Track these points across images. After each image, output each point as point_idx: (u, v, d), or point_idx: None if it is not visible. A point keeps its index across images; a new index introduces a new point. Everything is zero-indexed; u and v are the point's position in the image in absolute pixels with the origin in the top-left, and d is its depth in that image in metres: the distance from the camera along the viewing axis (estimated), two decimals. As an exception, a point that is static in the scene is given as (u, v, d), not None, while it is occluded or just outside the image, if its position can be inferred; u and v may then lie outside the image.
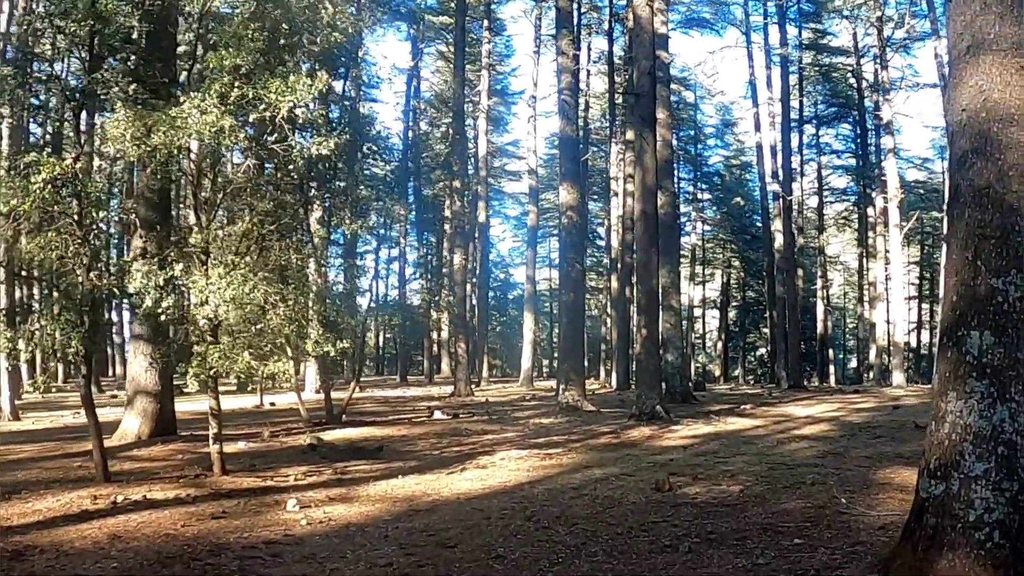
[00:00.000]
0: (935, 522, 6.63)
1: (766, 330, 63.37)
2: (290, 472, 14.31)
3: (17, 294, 25.73)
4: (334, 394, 24.61)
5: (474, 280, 55.38)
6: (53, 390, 39.37)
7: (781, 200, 42.57)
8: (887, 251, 48.50)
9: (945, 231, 31.12)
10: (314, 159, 12.93)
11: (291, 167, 13.22)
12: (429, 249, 67.59)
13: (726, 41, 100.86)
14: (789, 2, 46.60)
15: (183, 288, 12.33)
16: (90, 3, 12.56)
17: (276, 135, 12.53)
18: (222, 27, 13.64)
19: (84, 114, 23.49)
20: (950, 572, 6.39)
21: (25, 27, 20.82)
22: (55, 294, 12.90)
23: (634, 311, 29.56)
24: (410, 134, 53.64)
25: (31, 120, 40.10)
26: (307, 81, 11.89)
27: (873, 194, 52.43)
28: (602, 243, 62.78)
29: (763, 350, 69.29)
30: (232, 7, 14.81)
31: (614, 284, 43.86)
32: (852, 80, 55.62)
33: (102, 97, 14.63)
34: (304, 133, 12.78)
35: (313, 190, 14.75)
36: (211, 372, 12.40)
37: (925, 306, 67.96)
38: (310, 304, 13.42)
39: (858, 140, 57.92)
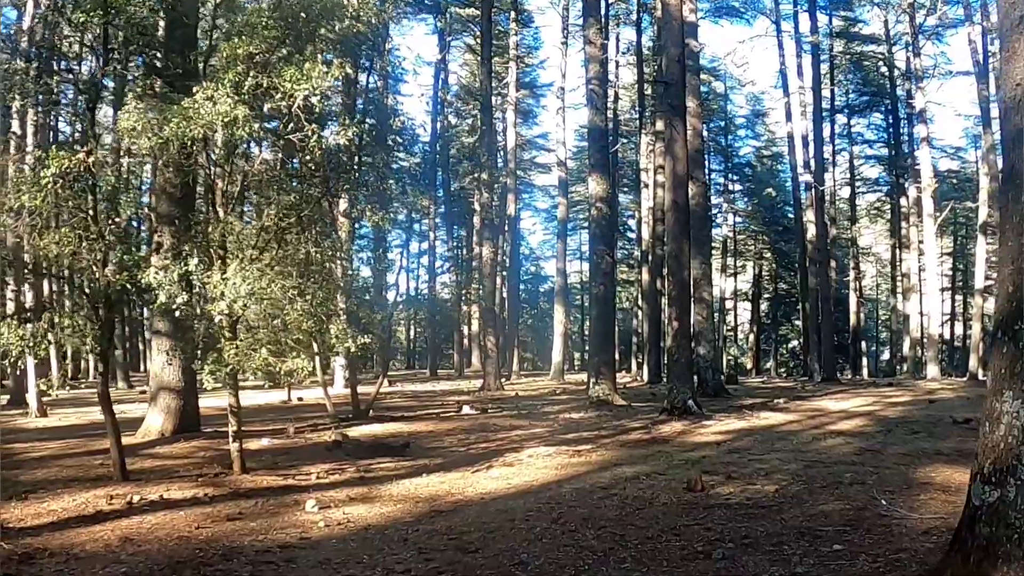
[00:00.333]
0: (989, 532, 6.14)
1: (798, 322, 62.92)
2: (312, 470, 13.98)
3: (34, 292, 25.46)
4: (363, 389, 24.35)
5: (504, 273, 55.10)
6: (82, 386, 39.50)
7: (813, 190, 42.05)
8: (920, 242, 47.86)
9: (981, 220, 30.81)
10: (333, 149, 12.54)
11: (308, 158, 12.81)
12: (459, 243, 67.27)
13: (756, 30, 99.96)
14: (820, -11, 46.01)
15: (200, 283, 11.96)
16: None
17: (292, 125, 12.13)
18: (237, 16, 13.27)
19: (102, 108, 23.27)
20: (1006, 586, 5.93)
21: (39, 21, 20.59)
22: (69, 290, 12.57)
23: (665, 303, 29.11)
24: (438, 127, 53.39)
25: (57, 117, 40.19)
26: (323, 69, 11.51)
27: (906, 184, 51.80)
28: (633, 235, 62.30)
29: (795, 342, 68.83)
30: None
31: (645, 276, 43.47)
32: (884, 69, 55.01)
33: (115, 90, 14.31)
34: (327, 124, 12.31)
35: (334, 182, 14.23)
36: (227, 369, 12.07)
37: (959, 298, 67.30)
38: (330, 298, 12.99)
39: (890, 129, 57.32)
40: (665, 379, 28.10)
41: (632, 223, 62.86)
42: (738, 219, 71.01)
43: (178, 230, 14.26)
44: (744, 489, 11.17)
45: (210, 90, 11.46)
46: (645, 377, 41.01)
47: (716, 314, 49.28)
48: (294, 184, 14.23)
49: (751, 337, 70.89)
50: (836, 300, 51.72)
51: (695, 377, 24.90)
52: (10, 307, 23.33)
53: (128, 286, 11.83)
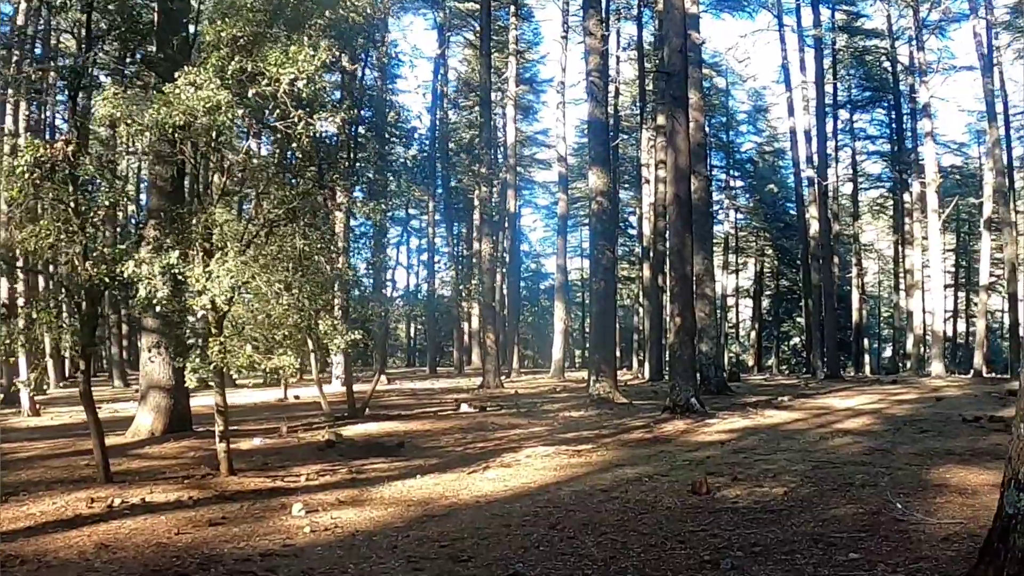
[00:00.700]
0: (1025, 542, 5.64)
1: (800, 319, 62.59)
2: (303, 471, 13.55)
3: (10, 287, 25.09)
4: (361, 387, 23.97)
5: (504, 270, 54.67)
6: (80, 384, 39.02)
7: (816, 185, 41.71)
8: (924, 237, 47.47)
9: (985, 216, 30.38)
10: (323, 138, 12.03)
11: (295, 146, 12.31)
12: (459, 239, 66.87)
13: (757, 24, 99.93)
14: (823, -17, 45.58)
15: (181, 277, 11.45)
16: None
17: (279, 112, 11.63)
18: (222, -1, 12.75)
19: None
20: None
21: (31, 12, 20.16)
22: (47, 285, 12.10)
23: (667, 300, 28.65)
24: (437, 122, 52.98)
25: (53, 114, 39.70)
26: (309, 52, 10.99)
27: (909, 179, 51.40)
28: (634, 232, 61.95)
29: (797, 339, 68.38)
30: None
31: (646, 273, 43.09)
32: (886, 64, 54.54)
33: (96, 77, 13.83)
34: (315, 111, 11.76)
35: (326, 173, 13.72)
36: (211, 367, 11.59)
37: (961, 295, 66.91)
38: (319, 293, 12.47)
39: (893, 125, 56.83)
40: (667, 376, 27.65)
41: (633, 220, 62.54)
42: (739, 215, 70.63)
43: (162, 223, 13.77)
44: (751, 492, 10.69)
45: (193, 75, 10.97)
46: (646, 374, 40.62)
47: (718, 311, 48.81)
48: (286, 176, 13.72)
49: (753, 334, 70.46)
50: (838, 297, 51.33)
51: (697, 375, 24.43)
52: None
53: (107, 280, 11.32)
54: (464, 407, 23.98)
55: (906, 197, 54.13)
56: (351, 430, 19.17)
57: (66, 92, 24.13)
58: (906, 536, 8.20)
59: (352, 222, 28.84)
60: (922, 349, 49.14)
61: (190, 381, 11.88)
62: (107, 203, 11.16)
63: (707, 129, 42.61)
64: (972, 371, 41.81)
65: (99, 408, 24.63)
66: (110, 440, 17.23)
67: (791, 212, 61.28)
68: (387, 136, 20.57)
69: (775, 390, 29.17)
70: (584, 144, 52.57)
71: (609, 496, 10.84)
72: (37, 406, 25.40)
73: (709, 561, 7.74)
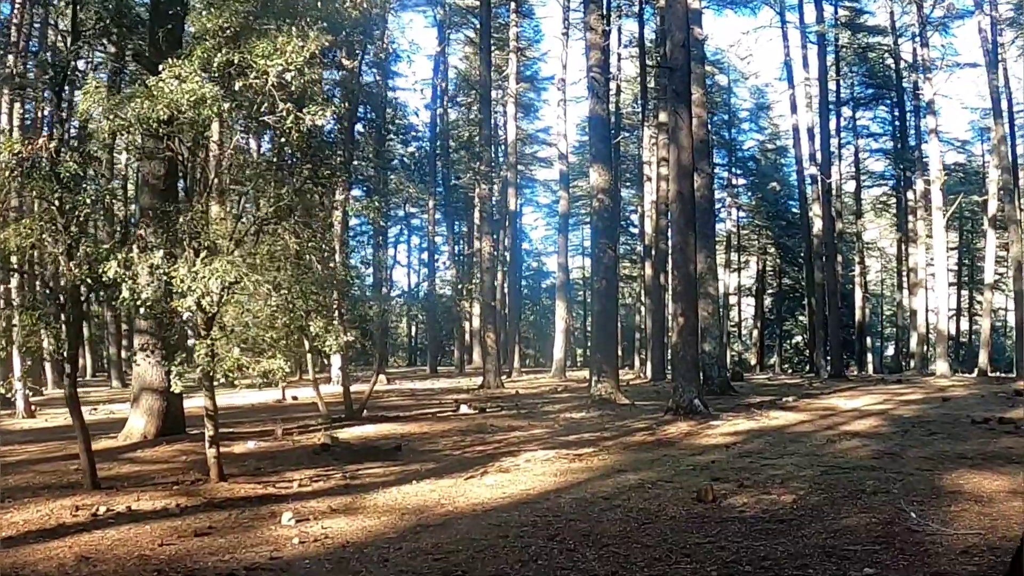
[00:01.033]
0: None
1: (803, 318, 62.37)
2: (296, 477, 13.22)
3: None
4: (361, 387, 23.65)
5: (504, 268, 54.34)
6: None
7: (820, 183, 41.39)
8: (928, 236, 47.14)
9: (991, 214, 30.04)
10: (314, 133, 11.60)
11: (284, 141, 11.92)
12: (460, 238, 66.60)
13: (760, 21, 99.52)
14: (825, -21, 45.25)
15: (167, 277, 11.04)
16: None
17: (266, 105, 11.22)
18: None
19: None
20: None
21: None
22: (30, 286, 11.70)
23: (669, 299, 28.33)
24: (437, 120, 52.68)
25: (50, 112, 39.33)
26: (298, 43, 10.58)
27: (913, 177, 51.10)
28: (635, 230, 61.68)
29: (799, 338, 68.03)
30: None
31: (648, 271, 42.71)
32: (889, 61, 54.23)
33: (85, 73, 13.45)
34: (303, 104, 11.34)
35: (318, 168, 13.28)
36: (197, 370, 11.20)
37: (964, 293, 66.62)
38: (309, 293, 12.04)
39: (896, 122, 56.53)
40: (669, 376, 27.32)
41: (635, 218, 62.24)
42: (742, 214, 70.28)
43: (149, 222, 13.39)
44: (759, 499, 10.29)
45: (177, 67, 10.58)
46: (649, 374, 40.26)
47: (720, 310, 48.48)
48: (278, 174, 13.32)
49: (755, 333, 70.09)
50: (841, 295, 50.99)
51: (700, 375, 24.06)
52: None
53: (90, 281, 10.94)
54: (463, 408, 23.63)
55: (909, 195, 53.91)
56: (347, 432, 18.85)
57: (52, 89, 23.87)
58: (922, 548, 7.82)
59: (353, 221, 28.56)
60: (925, 348, 48.73)
61: (175, 385, 11.51)
62: (89, 201, 10.69)
63: (709, 127, 42.35)
64: (977, 370, 41.52)
65: (95, 410, 24.87)
66: (102, 443, 17.06)
67: (793, 210, 61.13)
68: (384, 133, 20.18)
69: (779, 390, 28.79)
70: (585, 142, 52.32)
71: (611, 504, 10.44)
72: (32, 407, 25.19)
73: (716, 576, 7.36)
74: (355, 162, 20.81)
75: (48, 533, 9.70)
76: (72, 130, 25.09)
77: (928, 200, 45.23)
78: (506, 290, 54.89)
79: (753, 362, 66.18)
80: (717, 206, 58.30)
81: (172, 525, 9.98)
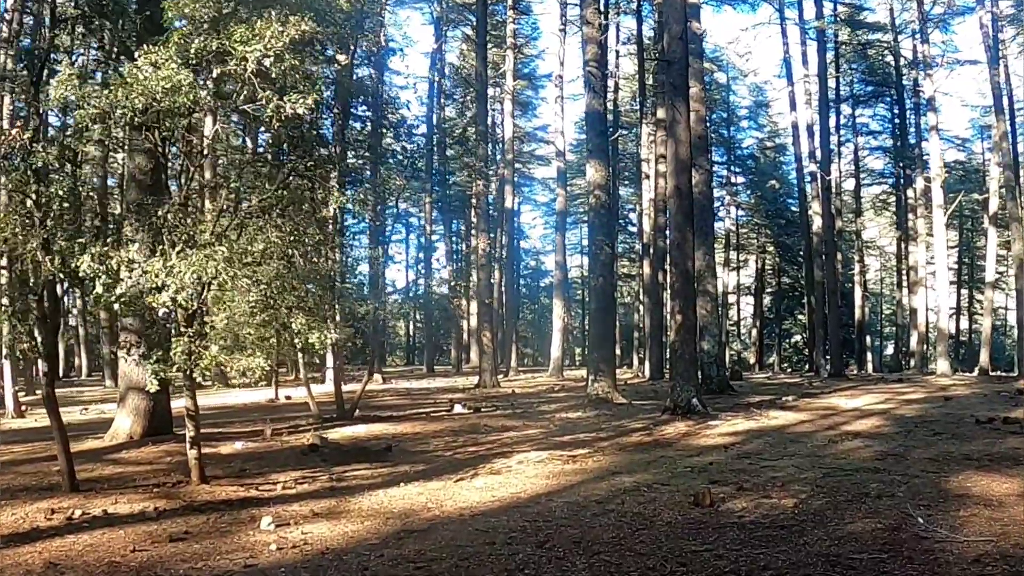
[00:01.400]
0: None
1: (802, 316, 62.29)
2: (281, 479, 12.86)
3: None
4: (356, 387, 23.33)
5: (502, 267, 54.06)
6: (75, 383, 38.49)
7: (819, 180, 41.11)
8: (929, 234, 46.85)
9: (992, 211, 29.74)
10: (293, 121, 11.15)
11: (263, 129, 11.54)
12: (458, 237, 66.40)
13: (759, 18, 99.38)
14: (825, -26, 44.97)
15: (141, 272, 10.62)
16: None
17: (246, 93, 10.80)
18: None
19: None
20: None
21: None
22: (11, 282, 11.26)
23: (667, 297, 27.94)
24: (434, 118, 52.39)
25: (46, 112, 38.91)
26: (277, 28, 10.17)
27: (913, 175, 50.84)
28: (634, 229, 61.43)
29: (799, 337, 67.90)
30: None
31: (646, 270, 42.41)
32: (889, 58, 54.01)
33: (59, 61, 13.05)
34: (284, 91, 10.90)
35: (301, 161, 12.83)
36: (174, 369, 10.80)
37: (964, 292, 66.44)
38: (290, 289, 11.59)
39: (896, 120, 56.35)
40: (667, 375, 26.91)
41: (633, 216, 62.05)
42: (741, 212, 70.17)
43: (133, 216, 12.99)
44: (758, 504, 9.86)
45: (153, 54, 10.17)
46: (647, 373, 39.96)
47: (719, 308, 48.25)
48: (258, 165, 12.92)
49: (754, 332, 69.91)
50: (841, 294, 50.73)
51: (699, 374, 23.69)
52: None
53: (61, 275, 10.54)
54: (458, 408, 23.28)
55: (909, 193, 53.72)
56: (338, 433, 18.47)
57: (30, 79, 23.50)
58: (932, 557, 7.40)
59: (350, 220, 28.19)
60: (925, 347, 48.48)
61: (150, 384, 11.10)
62: (61, 193, 10.27)
63: (708, 124, 42.06)
64: (978, 369, 41.29)
65: (86, 409, 24.61)
66: (88, 444, 16.76)
67: (793, 209, 61.13)
68: (378, 128, 19.82)
69: (779, 389, 28.47)
70: (583, 140, 51.95)
71: (604, 509, 10.02)
72: (22, 407, 24.88)
73: (714, 588, 6.95)
74: (351, 159, 20.36)
75: (20, 537, 9.37)
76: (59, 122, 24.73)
77: (928, 198, 45.00)
78: (503, 289, 54.68)
79: (752, 361, 66.08)
80: (716, 204, 58.23)
81: (147, 530, 9.63)
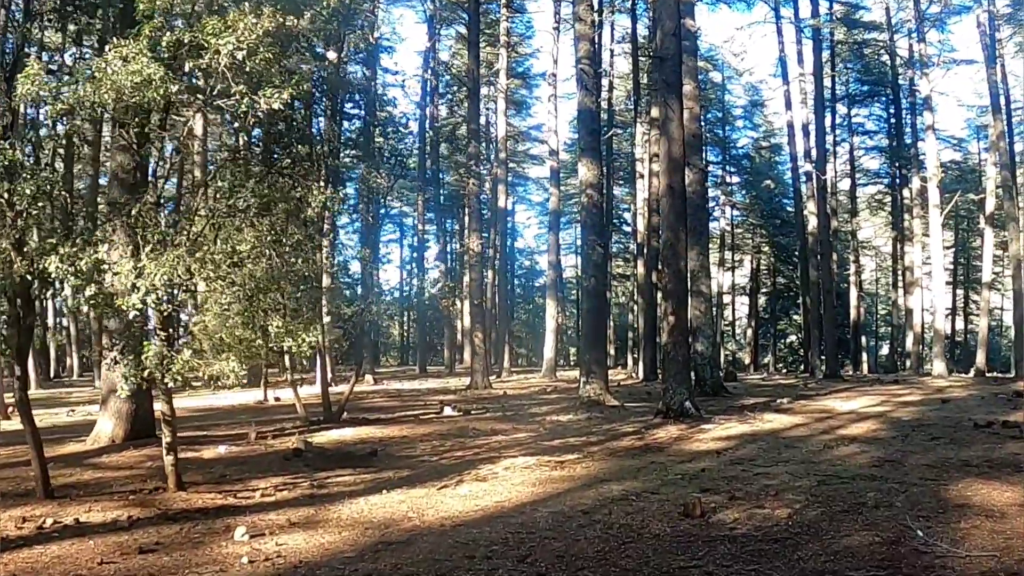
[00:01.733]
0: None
1: (797, 317, 62.15)
2: (261, 485, 12.49)
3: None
4: (347, 388, 23.03)
5: (495, 267, 53.77)
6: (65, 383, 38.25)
7: (815, 180, 40.91)
8: (925, 234, 46.65)
9: (988, 211, 29.51)
10: (267, 116, 10.77)
11: (237, 126, 11.20)
12: (451, 237, 66.16)
13: (754, 16, 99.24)
14: (820, -27, 44.72)
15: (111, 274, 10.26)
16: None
17: (219, 88, 10.43)
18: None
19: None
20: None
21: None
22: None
23: (661, 297, 27.64)
24: (427, 115, 52.13)
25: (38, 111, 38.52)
26: (251, 20, 9.79)
27: (909, 175, 50.62)
28: (629, 229, 61.19)
29: (794, 337, 67.72)
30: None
31: (640, 270, 42.10)
32: (885, 57, 53.85)
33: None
34: (260, 86, 10.50)
35: (279, 158, 12.46)
36: (144, 373, 10.42)
37: (959, 292, 66.27)
38: (266, 289, 11.20)
39: (891, 120, 56.19)
40: (661, 376, 26.58)
41: (628, 216, 61.84)
42: (736, 212, 69.93)
43: (91, 212, 12.61)
44: (751, 514, 9.49)
45: (123, 48, 9.80)
46: (641, 374, 39.65)
47: (714, 309, 48.01)
48: (238, 165, 12.54)
49: (749, 332, 69.69)
50: (836, 294, 50.51)
51: (692, 375, 23.39)
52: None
53: (29, 277, 10.18)
54: (447, 410, 22.98)
55: (905, 193, 53.52)
56: (324, 436, 18.18)
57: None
58: (933, 574, 7.05)
59: (344, 219, 27.89)
60: (921, 348, 48.29)
61: (121, 389, 10.74)
62: (29, 192, 9.89)
63: (703, 124, 41.84)
64: (974, 370, 41.11)
65: (73, 411, 24.35)
66: (70, 447, 16.47)
67: (788, 209, 61.02)
68: (366, 122, 19.49)
69: (773, 391, 28.20)
70: (577, 139, 51.72)
71: (590, 519, 9.63)
72: (8, 409, 24.53)
73: (702, 608, 6.59)
74: (343, 158, 20.02)
75: (-12, 547, 8.95)
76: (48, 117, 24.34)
77: (924, 198, 44.80)
78: (496, 289, 54.43)
79: (747, 362, 65.93)
80: (711, 204, 58.01)
81: (118, 540, 9.27)
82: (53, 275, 9.90)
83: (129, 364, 10.44)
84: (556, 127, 46.62)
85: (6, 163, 9.80)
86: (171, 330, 10.92)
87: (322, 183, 11.74)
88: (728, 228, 69.44)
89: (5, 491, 12.23)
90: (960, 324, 67.94)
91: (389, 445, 16.99)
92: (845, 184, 59.61)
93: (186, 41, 10.07)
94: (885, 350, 68.60)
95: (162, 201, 11.62)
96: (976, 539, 8.06)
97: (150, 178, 13.06)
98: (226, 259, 10.54)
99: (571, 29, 40.41)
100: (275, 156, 12.11)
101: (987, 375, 39.11)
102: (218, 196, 11.69)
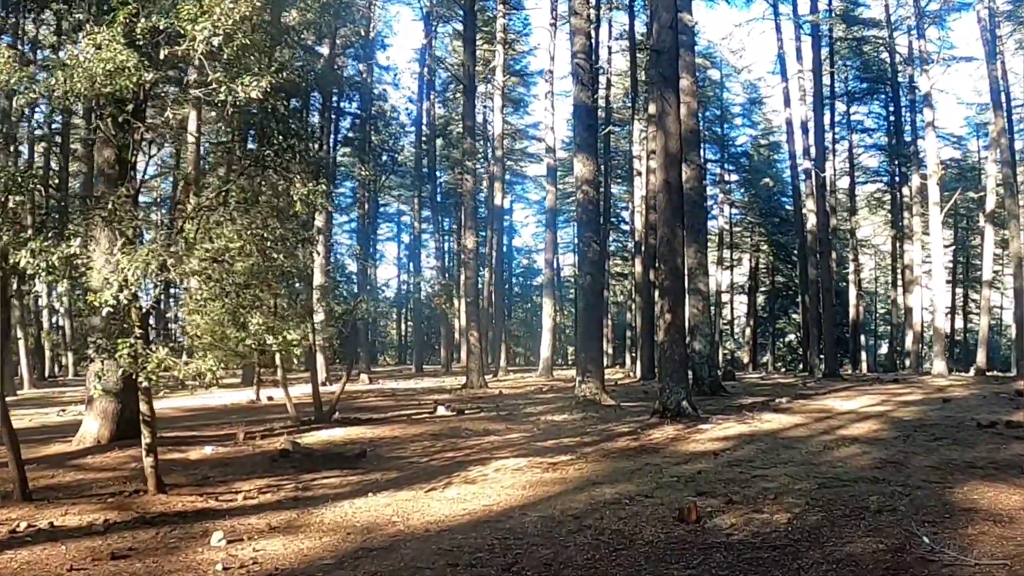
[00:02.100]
0: None
1: (796, 316, 61.95)
2: (244, 487, 12.19)
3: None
4: (348, 386, 22.76)
5: (492, 265, 53.46)
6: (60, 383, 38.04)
7: (814, 177, 40.58)
8: (924, 232, 46.33)
9: (988, 209, 29.20)
10: (248, 105, 10.39)
11: (213, 114, 10.82)
12: (449, 235, 65.88)
13: (753, 13, 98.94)
14: (819, -31, 44.44)
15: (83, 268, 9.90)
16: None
17: (195, 76, 10.07)
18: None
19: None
20: None
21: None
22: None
23: (658, 295, 27.29)
24: (423, 112, 51.87)
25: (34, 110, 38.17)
26: (228, 4, 9.41)
27: (908, 172, 50.32)
28: (627, 228, 60.91)
29: (792, 336, 67.46)
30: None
31: (638, 268, 41.81)
32: (884, 55, 53.52)
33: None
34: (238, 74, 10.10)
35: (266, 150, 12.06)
36: (119, 373, 10.07)
37: (959, 291, 66.03)
38: (244, 285, 10.82)
39: (891, 117, 55.89)
40: (658, 376, 26.22)
41: (626, 215, 61.58)
42: (734, 210, 69.64)
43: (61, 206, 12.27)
44: (749, 519, 9.12)
45: (97, 35, 9.43)
46: (638, 373, 39.35)
47: (712, 308, 47.74)
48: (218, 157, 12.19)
49: (747, 331, 69.39)
50: (835, 293, 50.24)
51: (690, 374, 23.03)
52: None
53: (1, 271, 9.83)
54: (441, 410, 22.64)
55: (904, 191, 53.21)
56: (313, 437, 17.83)
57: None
58: (941, 584, 6.70)
59: (343, 218, 27.58)
60: (921, 347, 48.02)
61: (94, 390, 10.40)
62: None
63: (701, 122, 41.58)
64: (974, 369, 40.84)
65: (64, 411, 24.08)
66: (55, 448, 16.15)
67: (787, 207, 60.88)
68: (362, 118, 19.15)
69: (772, 390, 27.81)
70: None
71: (581, 525, 9.25)
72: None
73: (697, 621, 6.22)
74: (340, 155, 19.67)
75: (-42, 552, 8.63)
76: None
77: (924, 195, 44.48)
78: (493, 287, 54.14)
79: (746, 361, 65.68)
80: (709, 203, 57.85)
81: (91, 545, 8.99)
82: (25, 270, 9.53)
83: (103, 362, 10.08)
84: (553, 124, 46.24)
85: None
86: (149, 328, 10.52)
87: (305, 175, 11.20)
88: (727, 226, 69.18)
89: (-15, 494, 11.90)
90: (959, 323, 67.66)
91: (379, 446, 16.64)
92: (844, 182, 59.34)
93: (162, 28, 9.70)
94: (884, 349, 68.37)
95: (159, 200, 11.26)
96: (985, 546, 7.70)
97: (130, 171, 12.65)
98: (204, 254, 10.16)
99: (568, 24, 40.20)
100: (260, 148, 11.69)
101: (987, 374, 38.81)
102: (208, 192, 11.35)
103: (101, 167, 17.04)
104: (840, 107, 57.49)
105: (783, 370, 57.71)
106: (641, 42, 44.61)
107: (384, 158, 23.49)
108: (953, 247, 64.68)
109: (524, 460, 14.00)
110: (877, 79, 56.17)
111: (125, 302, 9.70)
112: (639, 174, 43.85)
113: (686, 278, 23.89)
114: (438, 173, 58.16)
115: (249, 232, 10.50)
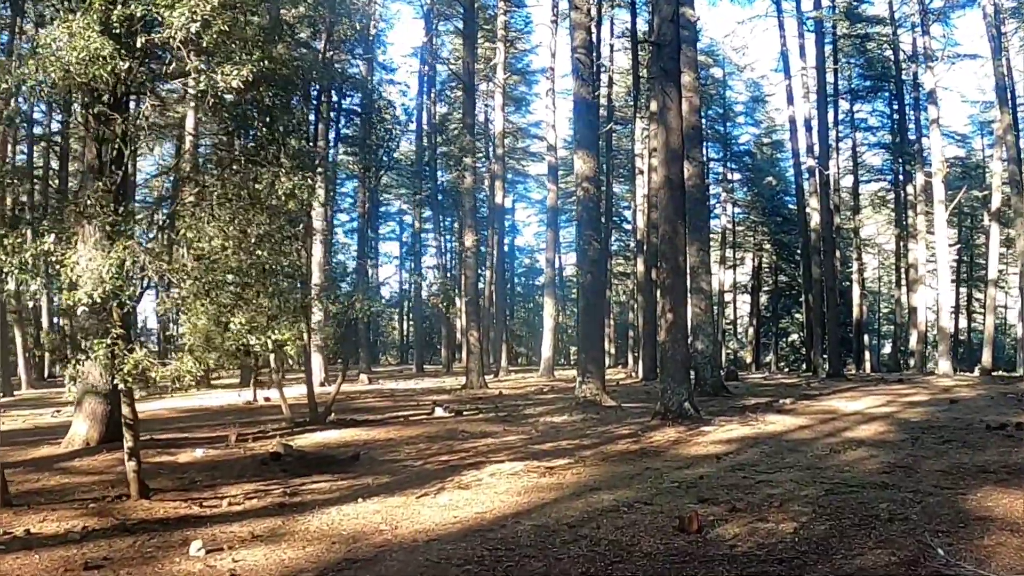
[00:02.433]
0: None
1: (799, 315, 61.58)
2: (231, 492, 11.84)
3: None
4: (346, 387, 22.39)
5: (492, 264, 53.13)
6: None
7: (818, 175, 40.20)
8: (928, 231, 45.94)
9: (994, 207, 28.80)
10: (225, 93, 9.97)
11: (194, 106, 10.42)
12: (449, 234, 65.57)
13: (756, 10, 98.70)
14: (822, -35, 44.10)
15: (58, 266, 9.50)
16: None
17: (174, 66, 9.68)
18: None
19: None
20: None
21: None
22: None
23: (659, 294, 26.92)
24: (424, 114, 51.56)
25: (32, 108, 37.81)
26: (207, -9, 9.03)
27: (912, 171, 49.99)
28: (629, 226, 60.62)
29: (795, 336, 67.07)
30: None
31: (640, 267, 41.46)
32: (888, 53, 53.14)
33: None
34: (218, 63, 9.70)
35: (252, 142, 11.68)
36: (97, 375, 9.70)
37: (963, 290, 65.73)
38: (224, 283, 10.42)
39: (895, 116, 55.50)
40: (659, 376, 25.84)
41: (628, 214, 61.28)
42: (737, 209, 69.32)
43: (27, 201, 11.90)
44: (753, 529, 8.70)
45: (71, 22, 9.03)
46: (640, 373, 39.00)
47: (715, 307, 47.44)
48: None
49: (750, 331, 69.07)
50: (839, 292, 49.89)
51: (692, 374, 22.66)
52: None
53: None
54: (439, 411, 22.32)
55: (908, 189, 52.92)
56: (306, 439, 17.47)
57: None
58: (958, 601, 6.28)
59: (344, 216, 27.27)
60: (925, 346, 47.63)
61: (69, 392, 10.01)
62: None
63: (704, 120, 41.29)
64: (979, 369, 40.52)
65: (58, 412, 23.82)
66: (43, 450, 15.90)
67: (790, 206, 60.45)
68: (363, 116, 18.84)
69: (776, 390, 27.44)
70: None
71: (576, 534, 8.82)
72: (-18, 414, 24.05)
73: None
74: (340, 149, 19.31)
75: (-71, 561, 8.29)
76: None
77: (929, 194, 44.15)
78: (493, 287, 53.80)
79: (749, 360, 65.40)
80: (712, 201, 57.52)
81: (65, 554, 8.61)
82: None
83: (76, 364, 9.70)
84: (554, 122, 45.96)
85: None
86: (129, 327, 10.13)
87: (291, 170, 10.79)
88: (729, 225, 68.84)
89: (-37, 500, 11.52)
90: (963, 322, 67.33)
91: (373, 448, 16.25)
92: (848, 181, 59.03)
93: (138, 15, 9.30)
94: (888, 349, 68.01)
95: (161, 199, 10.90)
96: (1003, 557, 7.29)
97: (111, 166, 12.23)
98: (184, 251, 9.78)
99: (568, 20, 39.89)
100: (242, 140, 11.31)
101: (992, 374, 38.39)
102: (189, 187, 11.00)
103: (90, 163, 16.71)
104: (844, 105, 57.20)
105: (786, 370, 57.37)
106: (643, 40, 44.34)
107: (381, 153, 23.15)
108: (957, 246, 64.34)
109: (520, 464, 13.60)
110: (881, 77, 55.78)
111: (100, 300, 9.30)
112: (641, 173, 43.55)
113: (688, 277, 23.54)
114: (439, 171, 57.74)
115: (230, 228, 10.10)
